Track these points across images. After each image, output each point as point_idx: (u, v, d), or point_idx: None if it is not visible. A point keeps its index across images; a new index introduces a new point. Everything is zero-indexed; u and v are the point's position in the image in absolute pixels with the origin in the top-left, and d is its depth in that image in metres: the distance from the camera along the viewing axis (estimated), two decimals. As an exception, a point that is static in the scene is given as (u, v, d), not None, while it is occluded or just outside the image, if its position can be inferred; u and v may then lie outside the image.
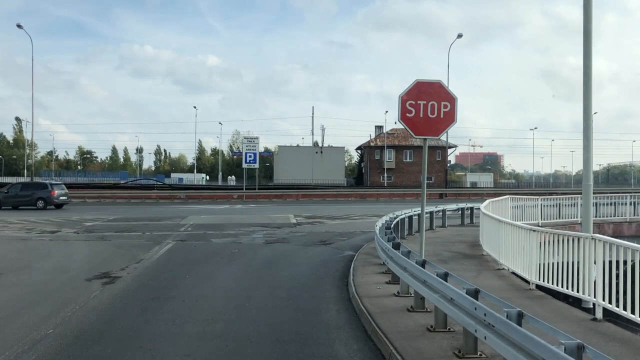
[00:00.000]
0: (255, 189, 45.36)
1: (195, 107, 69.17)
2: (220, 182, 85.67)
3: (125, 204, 40.66)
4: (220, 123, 77.97)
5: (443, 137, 68.59)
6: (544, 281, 8.64)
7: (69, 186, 42.51)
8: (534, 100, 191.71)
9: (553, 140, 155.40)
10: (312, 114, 61.67)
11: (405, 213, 16.56)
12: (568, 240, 8.13)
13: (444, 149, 70.03)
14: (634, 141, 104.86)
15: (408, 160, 69.25)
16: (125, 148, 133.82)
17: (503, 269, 10.75)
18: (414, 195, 44.23)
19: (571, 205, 20.15)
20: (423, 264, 7.42)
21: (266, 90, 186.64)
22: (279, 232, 18.98)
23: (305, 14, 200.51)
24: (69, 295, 9.13)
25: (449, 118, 7.92)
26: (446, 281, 6.29)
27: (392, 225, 13.11)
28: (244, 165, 44.60)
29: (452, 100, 7.86)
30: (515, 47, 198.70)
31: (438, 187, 49.95)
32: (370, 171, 68.60)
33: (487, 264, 11.66)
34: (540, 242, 9.00)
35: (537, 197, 20.11)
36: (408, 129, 8.08)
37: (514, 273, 10.09)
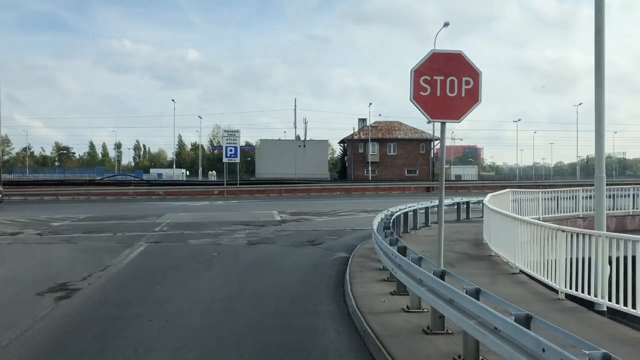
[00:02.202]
0: (236, 184, 43.79)
1: (173, 100, 67.11)
2: (200, 178, 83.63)
3: (100, 201, 38.84)
4: (199, 117, 76.08)
5: (428, 129, 67.24)
6: (575, 290, 7.39)
7: (42, 183, 40.43)
8: (512, 93, 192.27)
9: (535, 132, 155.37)
10: (295, 106, 60.18)
11: (400, 209, 15.28)
12: (601, 241, 6.89)
13: (427, 141, 69.18)
14: (615, 132, 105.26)
15: (392, 153, 68.21)
16: (104, 144, 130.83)
17: (518, 273, 9.50)
18: (400, 189, 43.15)
19: (569, 198, 19.13)
20: (442, 275, 6.09)
21: (247, 85, 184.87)
22: (263, 231, 17.57)
23: (285, 8, 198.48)
24: (12, 315, 7.62)
25: (473, 97, 6.54)
26: (478, 300, 4.98)
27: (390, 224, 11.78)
28: (225, 160, 42.94)
29: (475, 75, 6.47)
30: (493, 40, 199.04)
31: (424, 181, 48.90)
32: (354, 165, 67.43)
33: (498, 266, 10.41)
34: (567, 244, 7.77)
35: (537, 190, 19.03)
36: (422, 110, 6.65)
37: (532, 277, 8.86)
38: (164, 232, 17.74)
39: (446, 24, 41.16)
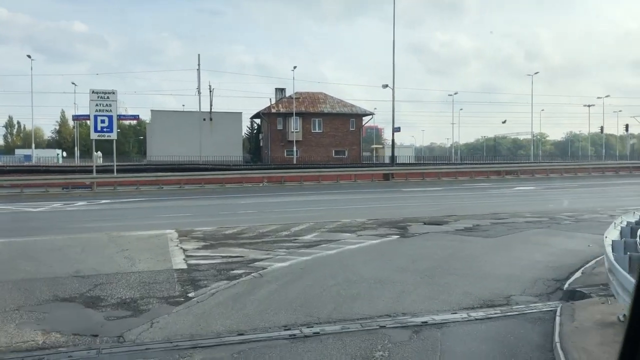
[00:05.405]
0: (112, 172, 29.88)
1: (29, 56, 50.42)
2: (78, 161, 67.79)
3: None
4: (73, 83, 59.62)
5: (358, 103, 56.79)
6: None
7: None
8: (405, 74, 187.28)
9: (461, 109, 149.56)
10: (198, 65, 46.24)
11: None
12: None
13: (358, 116, 58.68)
14: (543, 109, 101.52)
15: (317, 130, 56.86)
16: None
17: None
18: (349, 177, 31.88)
19: None
20: None
21: (137, 61, 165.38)
22: None
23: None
24: None
25: None
26: None
27: None
28: (94, 136, 28.90)
29: None
30: (387, 20, 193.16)
31: (382, 166, 38.07)
32: (272, 144, 55.24)
33: None
34: None
35: None
36: None
37: None
38: None
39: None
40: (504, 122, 77.34)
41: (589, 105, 78.29)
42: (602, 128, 74.31)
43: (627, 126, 69.71)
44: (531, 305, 6.70)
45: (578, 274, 7.83)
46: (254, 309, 6.70)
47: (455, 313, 6.43)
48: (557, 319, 5.83)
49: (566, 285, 7.25)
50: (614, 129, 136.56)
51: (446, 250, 10.43)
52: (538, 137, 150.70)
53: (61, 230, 14.03)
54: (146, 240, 12.02)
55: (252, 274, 8.52)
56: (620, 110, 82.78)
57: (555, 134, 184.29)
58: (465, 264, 9.18)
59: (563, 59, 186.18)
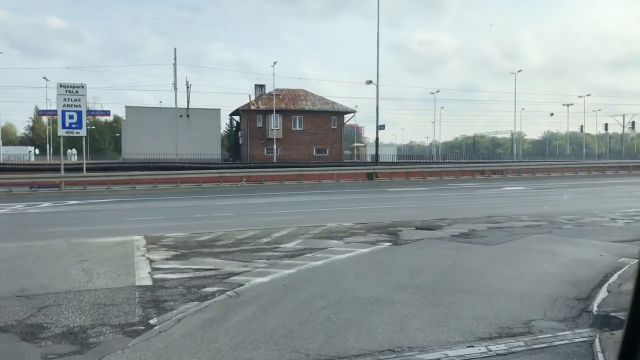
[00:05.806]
0: (82, 170, 28.27)
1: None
2: (49, 158, 65.86)
3: None
4: (45, 78, 57.41)
5: (339, 100, 56.30)
6: None
7: None
8: (385, 73, 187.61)
9: (442, 108, 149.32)
10: (175, 58, 44.59)
11: None
12: None
13: (340, 114, 57.72)
14: (523, 108, 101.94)
15: (298, 128, 55.78)
16: None
17: None
18: (331, 177, 30.75)
19: None
20: None
21: (116, 57, 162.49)
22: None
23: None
24: None
25: None
26: None
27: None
28: (61, 132, 27.19)
29: None
30: (368, 18, 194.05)
31: (366, 165, 37.02)
32: (251, 142, 53.97)
33: None
34: None
35: None
36: None
37: None
38: None
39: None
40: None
41: (568, 105, 78.55)
42: (582, 127, 74.57)
43: (606, 125, 70.08)
44: (559, 334, 5.66)
45: (603, 293, 6.82)
46: (227, 341, 5.53)
47: (472, 346, 5.35)
48: (600, 356, 4.78)
49: (595, 308, 6.22)
50: (592, 128, 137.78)
51: (444, 261, 9.39)
52: (517, 135, 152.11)
53: (16, 237, 12.64)
54: (110, 248, 10.74)
55: (227, 293, 7.34)
56: (599, 110, 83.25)
57: (533, 133, 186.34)
58: (469, 278, 8.14)
59: (543, 58, 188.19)
